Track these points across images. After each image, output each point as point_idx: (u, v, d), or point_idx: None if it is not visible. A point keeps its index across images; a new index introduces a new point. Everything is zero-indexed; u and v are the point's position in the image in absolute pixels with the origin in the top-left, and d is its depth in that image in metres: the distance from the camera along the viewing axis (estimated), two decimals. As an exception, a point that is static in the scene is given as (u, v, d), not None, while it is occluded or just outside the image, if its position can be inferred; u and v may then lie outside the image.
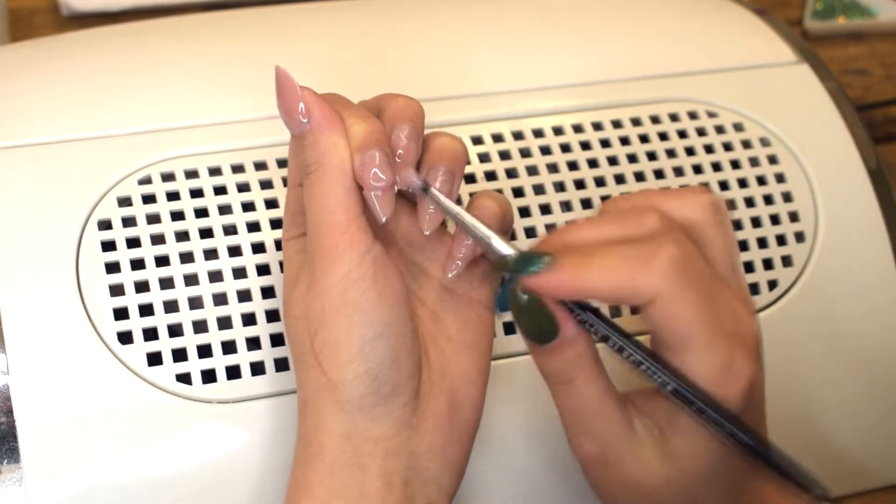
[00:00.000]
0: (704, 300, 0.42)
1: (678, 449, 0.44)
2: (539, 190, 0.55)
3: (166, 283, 0.50)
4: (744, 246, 0.56)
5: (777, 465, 0.43)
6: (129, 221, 0.51)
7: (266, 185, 0.53)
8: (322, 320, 0.44)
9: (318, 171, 0.44)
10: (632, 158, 0.57)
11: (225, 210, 0.52)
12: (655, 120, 0.59)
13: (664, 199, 0.45)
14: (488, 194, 0.47)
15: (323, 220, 0.44)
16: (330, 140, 0.44)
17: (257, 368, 0.50)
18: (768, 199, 0.58)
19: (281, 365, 0.50)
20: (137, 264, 0.50)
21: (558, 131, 0.57)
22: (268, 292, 0.51)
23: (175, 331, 0.49)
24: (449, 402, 0.45)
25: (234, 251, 0.51)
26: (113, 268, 0.50)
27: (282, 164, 0.53)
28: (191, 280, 0.50)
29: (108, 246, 0.50)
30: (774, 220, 0.57)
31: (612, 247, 0.42)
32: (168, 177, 0.52)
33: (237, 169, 0.53)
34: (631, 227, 0.43)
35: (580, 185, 0.56)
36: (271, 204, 0.52)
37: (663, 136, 0.58)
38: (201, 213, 0.52)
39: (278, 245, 0.51)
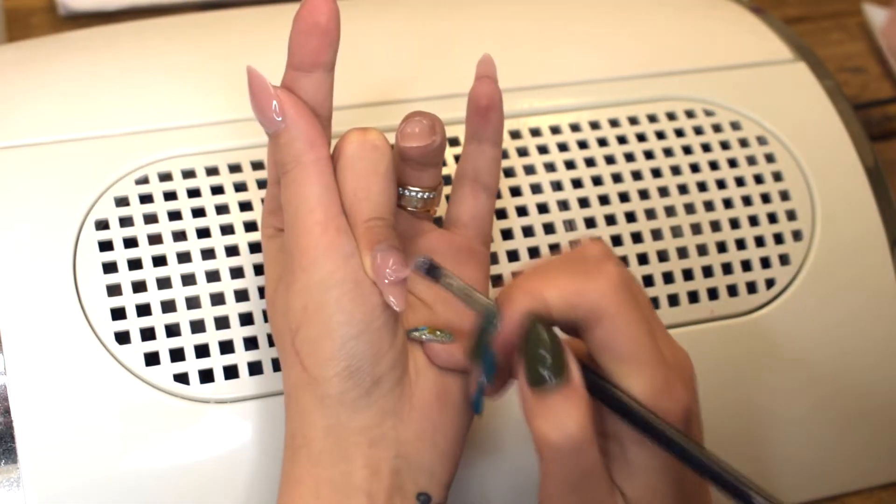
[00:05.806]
0: (646, 322, 0.41)
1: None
2: (536, 189, 0.55)
3: (164, 283, 0.50)
4: (741, 244, 0.56)
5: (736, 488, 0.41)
6: (126, 221, 0.51)
7: (263, 184, 0.53)
8: (303, 318, 0.43)
9: (295, 170, 0.44)
10: (629, 157, 0.57)
11: (222, 209, 0.52)
12: (653, 118, 0.59)
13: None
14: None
15: (300, 220, 0.44)
16: (306, 138, 0.44)
17: (255, 368, 0.50)
18: (765, 198, 0.58)
19: (278, 364, 0.50)
20: (135, 264, 0.50)
21: (555, 130, 0.57)
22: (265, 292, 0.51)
23: (173, 331, 0.49)
24: (437, 388, 0.45)
25: (232, 251, 0.51)
26: (110, 268, 0.50)
27: (279, 163, 0.53)
28: (188, 280, 0.50)
29: (106, 246, 0.50)
30: (772, 218, 0.57)
31: (560, 269, 0.42)
32: (165, 176, 0.52)
33: (234, 168, 0.53)
34: (575, 259, 0.42)
35: (577, 184, 0.56)
36: (268, 203, 0.52)
37: (660, 135, 0.58)
38: (198, 212, 0.52)
39: (276, 244, 0.51)
